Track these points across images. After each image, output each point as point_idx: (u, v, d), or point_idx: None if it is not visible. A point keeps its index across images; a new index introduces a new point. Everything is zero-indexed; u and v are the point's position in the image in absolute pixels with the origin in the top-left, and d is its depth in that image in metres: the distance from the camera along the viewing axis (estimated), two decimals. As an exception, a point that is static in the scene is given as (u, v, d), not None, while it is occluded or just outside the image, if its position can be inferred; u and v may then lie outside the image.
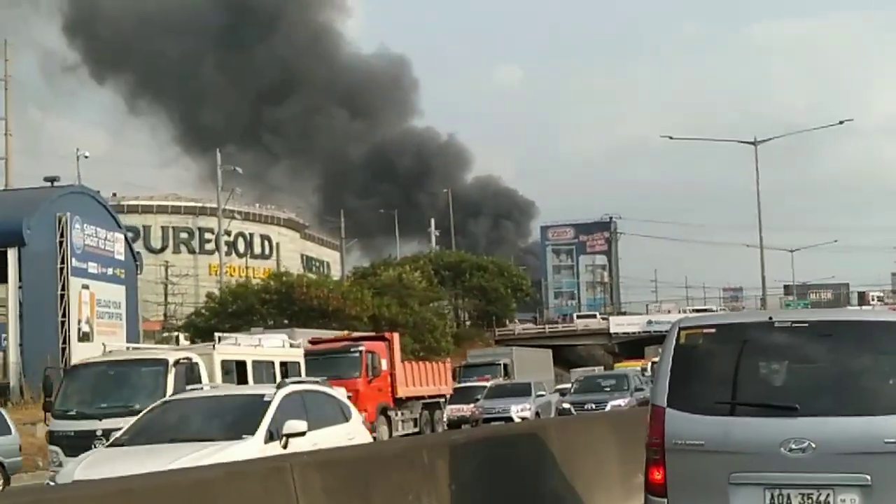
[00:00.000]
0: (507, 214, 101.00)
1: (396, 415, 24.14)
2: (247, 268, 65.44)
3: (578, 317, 78.50)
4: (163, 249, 67.43)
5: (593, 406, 23.68)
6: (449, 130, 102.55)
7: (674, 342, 6.20)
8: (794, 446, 5.65)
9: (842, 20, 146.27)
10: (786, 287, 78.63)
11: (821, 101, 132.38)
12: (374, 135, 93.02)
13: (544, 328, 72.44)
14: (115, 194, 67.44)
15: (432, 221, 76.42)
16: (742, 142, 38.14)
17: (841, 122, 39.02)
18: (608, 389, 25.58)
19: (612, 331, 70.34)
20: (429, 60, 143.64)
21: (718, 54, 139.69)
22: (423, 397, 26.29)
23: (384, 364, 23.74)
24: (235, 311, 37.61)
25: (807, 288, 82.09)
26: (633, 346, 63.90)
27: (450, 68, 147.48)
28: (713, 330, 6.21)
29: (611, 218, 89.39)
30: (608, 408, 23.13)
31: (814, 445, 5.63)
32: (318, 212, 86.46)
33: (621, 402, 23.95)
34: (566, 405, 24.67)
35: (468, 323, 66.68)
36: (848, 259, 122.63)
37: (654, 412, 6.09)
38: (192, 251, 68.48)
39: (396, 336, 25.85)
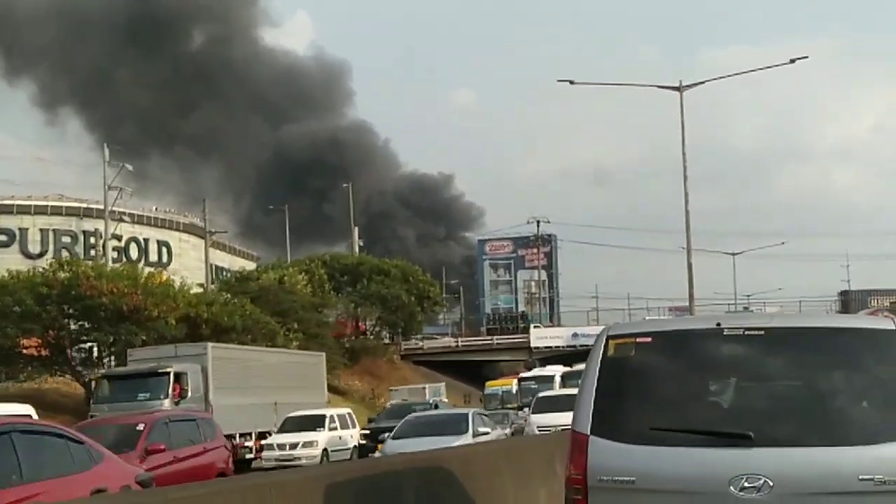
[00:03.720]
0: (441, 218, 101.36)
1: None
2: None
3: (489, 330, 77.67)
4: (42, 255, 64.48)
5: None
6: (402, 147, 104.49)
7: (601, 354, 5.38)
8: (746, 484, 4.89)
9: (792, 47, 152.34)
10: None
11: (772, 127, 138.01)
12: (298, 140, 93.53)
13: (457, 342, 70.96)
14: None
15: (355, 231, 74.78)
16: (665, 87, 36.11)
17: (793, 61, 35.31)
18: None
19: (532, 345, 68.98)
20: (381, 76, 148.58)
21: (671, 81, 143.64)
22: None
23: None
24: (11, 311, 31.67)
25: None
26: (557, 361, 63.26)
27: (404, 88, 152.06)
28: (649, 339, 5.38)
29: (538, 222, 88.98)
30: None
31: (771, 483, 4.87)
32: (239, 219, 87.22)
33: None
34: None
35: (370, 335, 62.29)
36: (796, 272, 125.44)
37: (576, 440, 5.28)
38: (75, 257, 65.65)
39: None
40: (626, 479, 5.08)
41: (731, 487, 4.88)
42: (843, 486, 4.79)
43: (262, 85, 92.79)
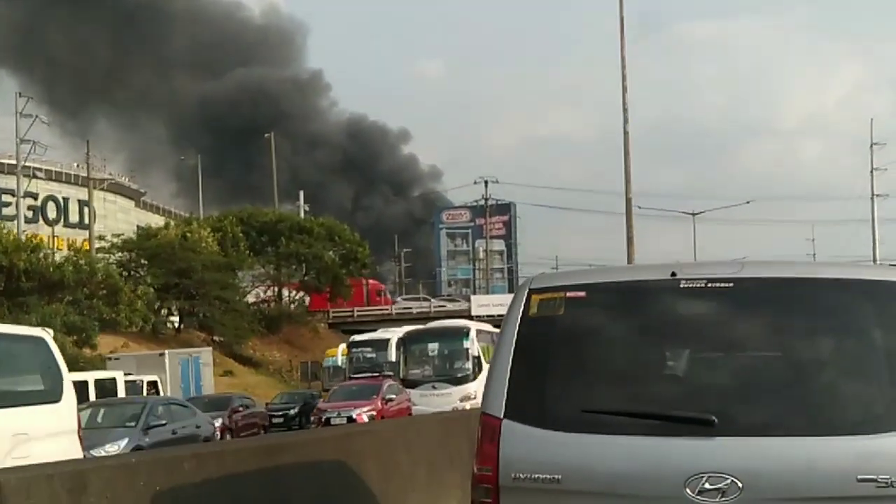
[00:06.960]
0: (395, 181, 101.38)
1: None
2: (53, 237, 60.99)
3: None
4: (-48, 211, 62.20)
5: None
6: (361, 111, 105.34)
7: (520, 313, 4.27)
8: (707, 486, 3.88)
9: (756, 22, 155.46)
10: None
11: (738, 102, 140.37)
12: (242, 99, 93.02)
13: (390, 310, 69.75)
14: None
15: (301, 194, 72.96)
16: None
17: None
18: None
19: (473, 313, 68.08)
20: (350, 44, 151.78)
21: (640, 53, 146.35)
22: None
23: None
24: None
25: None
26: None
27: (374, 57, 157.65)
28: (582, 293, 4.28)
29: (486, 182, 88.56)
30: None
31: (739, 485, 3.86)
32: (180, 179, 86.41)
33: None
34: None
35: (293, 301, 59.57)
36: (762, 241, 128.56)
37: (487, 426, 4.27)
38: (-11, 214, 63.45)
39: None
40: (548, 476, 4.05)
41: (688, 490, 3.86)
42: (837, 490, 3.77)
43: (207, 40, 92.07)
